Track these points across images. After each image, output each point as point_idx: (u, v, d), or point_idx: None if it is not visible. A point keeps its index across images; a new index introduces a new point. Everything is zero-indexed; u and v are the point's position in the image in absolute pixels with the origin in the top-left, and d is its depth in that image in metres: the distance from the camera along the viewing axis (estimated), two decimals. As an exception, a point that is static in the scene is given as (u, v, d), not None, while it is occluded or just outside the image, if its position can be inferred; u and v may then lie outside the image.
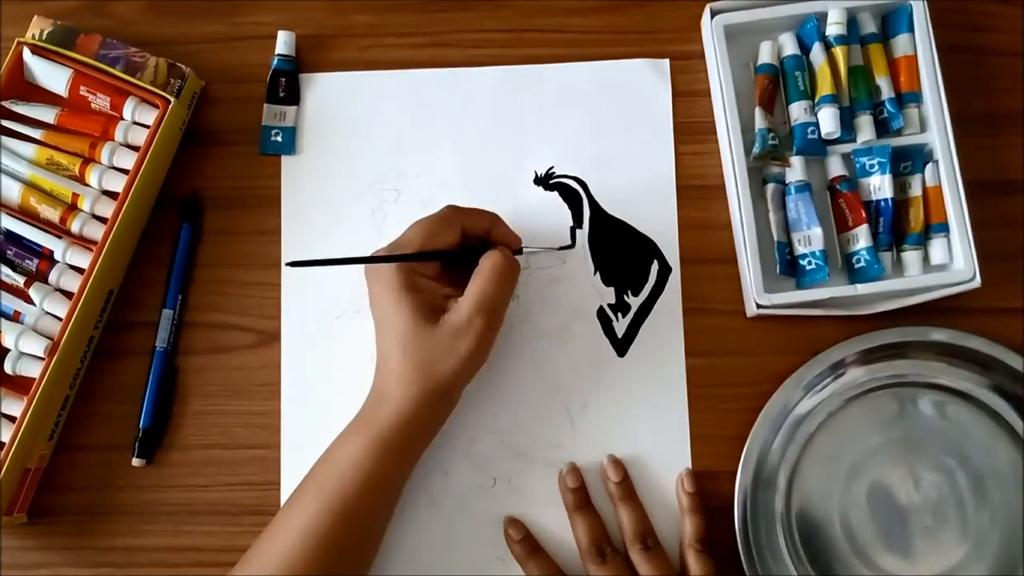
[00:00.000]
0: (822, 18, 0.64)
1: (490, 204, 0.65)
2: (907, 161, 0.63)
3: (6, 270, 0.62)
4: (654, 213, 0.65)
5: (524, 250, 0.61)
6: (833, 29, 0.63)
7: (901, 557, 0.60)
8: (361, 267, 0.64)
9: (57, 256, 0.62)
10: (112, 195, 0.63)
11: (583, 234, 0.65)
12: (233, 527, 0.62)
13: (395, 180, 0.66)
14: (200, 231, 0.65)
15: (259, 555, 0.55)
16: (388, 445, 0.55)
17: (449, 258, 0.58)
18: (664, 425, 0.63)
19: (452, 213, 0.58)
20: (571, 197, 0.65)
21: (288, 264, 0.56)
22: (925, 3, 0.63)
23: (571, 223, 0.65)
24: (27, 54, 0.64)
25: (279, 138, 0.66)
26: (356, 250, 0.64)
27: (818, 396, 0.62)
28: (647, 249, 0.65)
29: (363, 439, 0.55)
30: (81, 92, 0.64)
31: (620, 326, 0.64)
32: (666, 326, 0.64)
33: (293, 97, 0.66)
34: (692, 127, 0.66)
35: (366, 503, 0.55)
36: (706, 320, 0.64)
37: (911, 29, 0.64)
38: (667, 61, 0.67)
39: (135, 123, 0.64)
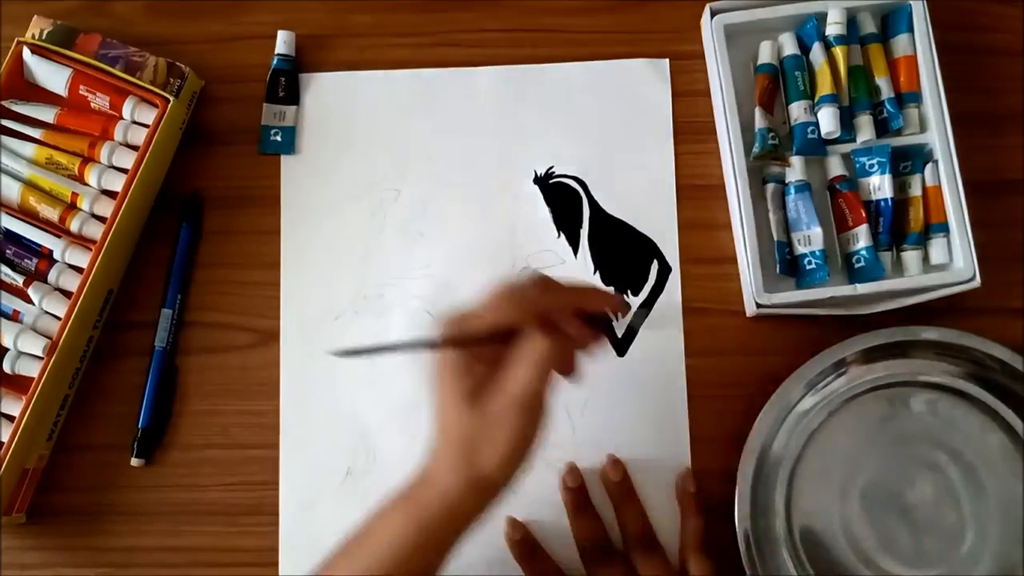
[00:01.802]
0: (822, 18, 0.64)
1: (490, 204, 0.65)
2: (907, 161, 0.63)
3: (5, 269, 0.62)
4: (654, 213, 0.65)
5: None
6: (833, 29, 0.63)
7: (901, 557, 0.60)
8: (364, 269, 0.64)
9: (56, 255, 0.62)
10: (111, 194, 0.63)
11: (583, 234, 0.65)
12: (232, 527, 0.62)
13: (395, 180, 0.66)
14: (200, 231, 0.65)
15: None
16: (430, 529, 0.51)
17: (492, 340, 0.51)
18: (664, 425, 0.63)
19: (536, 295, 0.51)
20: (570, 197, 0.65)
21: (338, 355, 0.51)
22: (925, 3, 0.63)
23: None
24: (27, 54, 0.64)
25: (278, 138, 0.66)
26: (355, 250, 0.65)
27: (818, 396, 0.61)
28: (647, 249, 0.65)
29: (406, 519, 0.51)
30: (81, 92, 0.64)
31: (620, 326, 0.64)
32: (666, 326, 0.64)
33: (293, 97, 0.66)
34: (692, 127, 0.66)
35: None
36: (706, 320, 0.64)
37: (911, 29, 0.64)
38: (667, 61, 0.67)
39: (134, 123, 0.64)
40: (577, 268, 0.65)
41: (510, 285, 0.51)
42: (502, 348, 0.51)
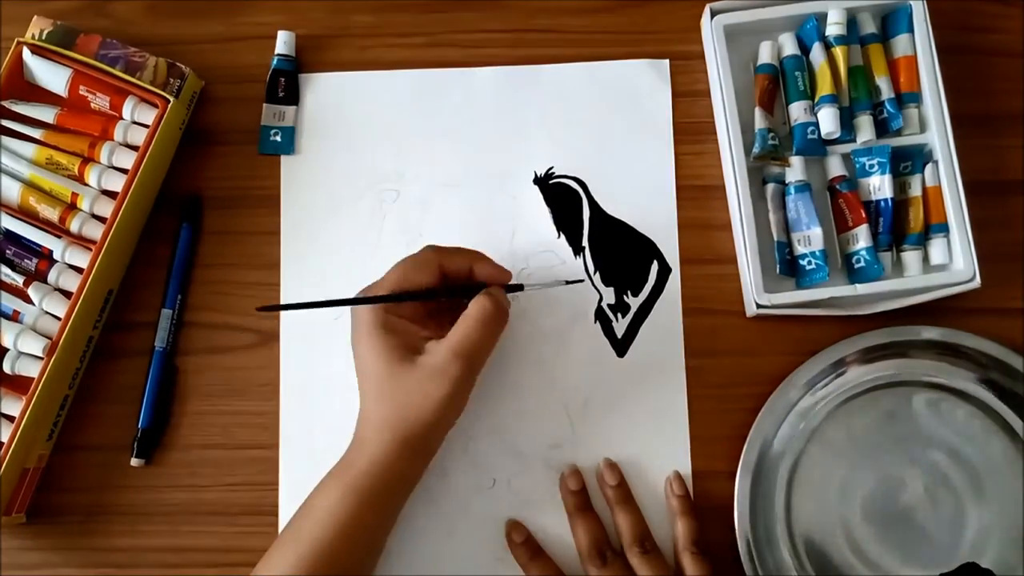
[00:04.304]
0: (822, 18, 0.64)
1: (489, 204, 0.65)
2: (907, 161, 0.63)
3: (5, 269, 0.62)
4: (654, 213, 0.65)
5: (526, 287, 0.59)
6: (833, 29, 0.63)
7: (901, 557, 0.60)
8: (364, 269, 0.64)
9: (56, 256, 0.62)
10: (111, 195, 0.63)
11: (584, 235, 0.65)
12: (232, 527, 0.62)
13: (394, 180, 0.66)
14: (200, 231, 0.65)
15: None
16: (363, 492, 0.53)
17: (427, 297, 0.56)
18: (664, 425, 0.63)
19: (430, 254, 0.57)
20: (570, 198, 0.65)
21: (258, 309, 0.56)
22: (925, 3, 0.63)
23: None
24: (27, 54, 0.64)
25: (278, 138, 0.66)
26: (355, 250, 0.65)
27: (817, 395, 0.61)
28: (647, 249, 0.65)
29: (339, 487, 0.54)
30: (81, 92, 0.64)
31: (620, 326, 0.64)
32: (666, 326, 0.64)
33: (292, 97, 0.66)
34: (692, 127, 0.66)
35: (343, 552, 0.53)
36: (706, 320, 0.64)
37: (911, 29, 0.64)
38: (667, 61, 0.67)
39: (134, 123, 0.64)
40: (577, 268, 0.64)
41: (408, 256, 0.57)
42: (418, 306, 0.57)
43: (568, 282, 0.61)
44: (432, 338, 0.56)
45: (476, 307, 0.55)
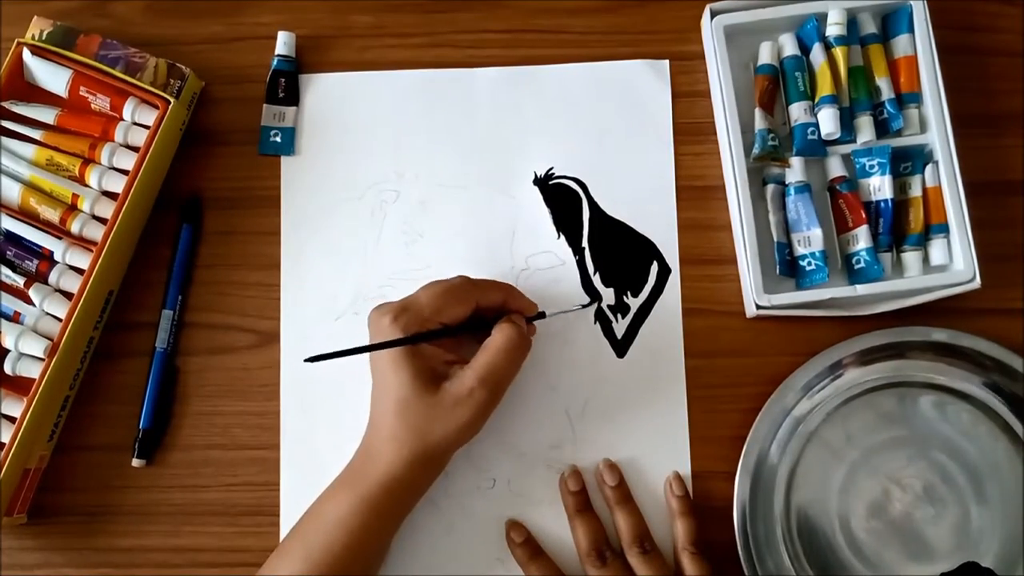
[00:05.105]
0: (822, 18, 0.64)
1: (489, 204, 0.65)
2: (907, 162, 0.63)
3: (6, 271, 0.62)
4: (654, 214, 0.65)
5: (547, 313, 0.60)
6: (833, 30, 0.63)
7: (900, 557, 0.60)
8: (364, 270, 0.64)
9: (57, 257, 0.62)
10: (112, 196, 0.63)
11: (584, 235, 0.65)
12: (233, 527, 0.62)
13: (394, 181, 0.66)
14: (200, 232, 0.65)
15: None
16: (375, 505, 0.55)
17: (460, 332, 0.57)
18: (663, 426, 0.63)
19: (467, 287, 0.57)
20: (570, 198, 0.65)
21: (307, 360, 0.56)
22: (925, 3, 0.63)
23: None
24: (27, 54, 0.64)
25: (278, 139, 0.66)
26: (355, 251, 0.65)
27: (817, 396, 0.61)
28: (646, 250, 0.65)
29: (351, 497, 0.55)
30: (81, 93, 0.64)
31: (620, 327, 0.64)
32: (666, 327, 0.64)
33: (292, 98, 0.66)
34: (692, 128, 0.66)
35: (352, 561, 0.54)
36: (706, 321, 0.64)
37: (911, 29, 0.64)
38: (667, 62, 0.67)
39: (135, 124, 0.64)
40: (577, 269, 0.65)
41: (443, 283, 0.57)
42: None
43: (584, 306, 0.63)
44: (456, 362, 0.57)
45: (501, 336, 0.56)
